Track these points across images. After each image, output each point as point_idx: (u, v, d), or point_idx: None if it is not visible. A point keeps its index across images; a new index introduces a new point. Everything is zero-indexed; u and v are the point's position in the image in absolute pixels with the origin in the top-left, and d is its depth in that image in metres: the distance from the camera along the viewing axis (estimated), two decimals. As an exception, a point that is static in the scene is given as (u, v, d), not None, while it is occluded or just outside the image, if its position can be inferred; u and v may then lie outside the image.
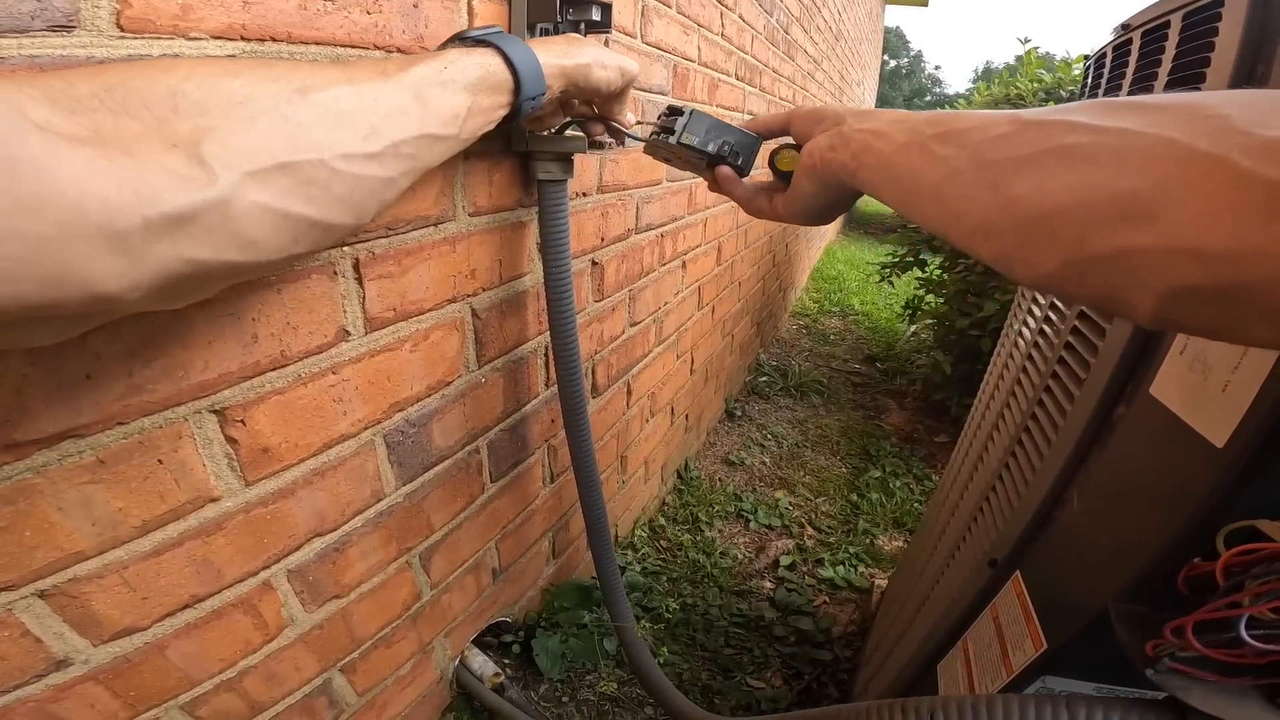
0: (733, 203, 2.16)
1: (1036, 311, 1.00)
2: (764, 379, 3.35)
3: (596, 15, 0.88)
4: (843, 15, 4.60)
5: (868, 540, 2.23)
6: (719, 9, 1.71)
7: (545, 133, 0.86)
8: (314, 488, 0.76)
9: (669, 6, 1.37)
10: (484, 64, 0.59)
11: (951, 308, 2.95)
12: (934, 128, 0.48)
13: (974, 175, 0.42)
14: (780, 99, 2.71)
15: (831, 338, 4.27)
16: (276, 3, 0.57)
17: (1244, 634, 0.46)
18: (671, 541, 2.12)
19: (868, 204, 12.19)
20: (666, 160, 0.80)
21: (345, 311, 0.73)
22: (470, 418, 1.01)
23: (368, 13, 0.66)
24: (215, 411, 0.62)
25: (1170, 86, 0.69)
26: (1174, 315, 0.31)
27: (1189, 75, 0.66)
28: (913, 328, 3.65)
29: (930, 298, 3.41)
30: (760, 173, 0.67)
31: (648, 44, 1.28)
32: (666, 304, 1.77)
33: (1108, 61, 0.92)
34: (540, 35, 0.84)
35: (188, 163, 0.37)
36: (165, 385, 0.57)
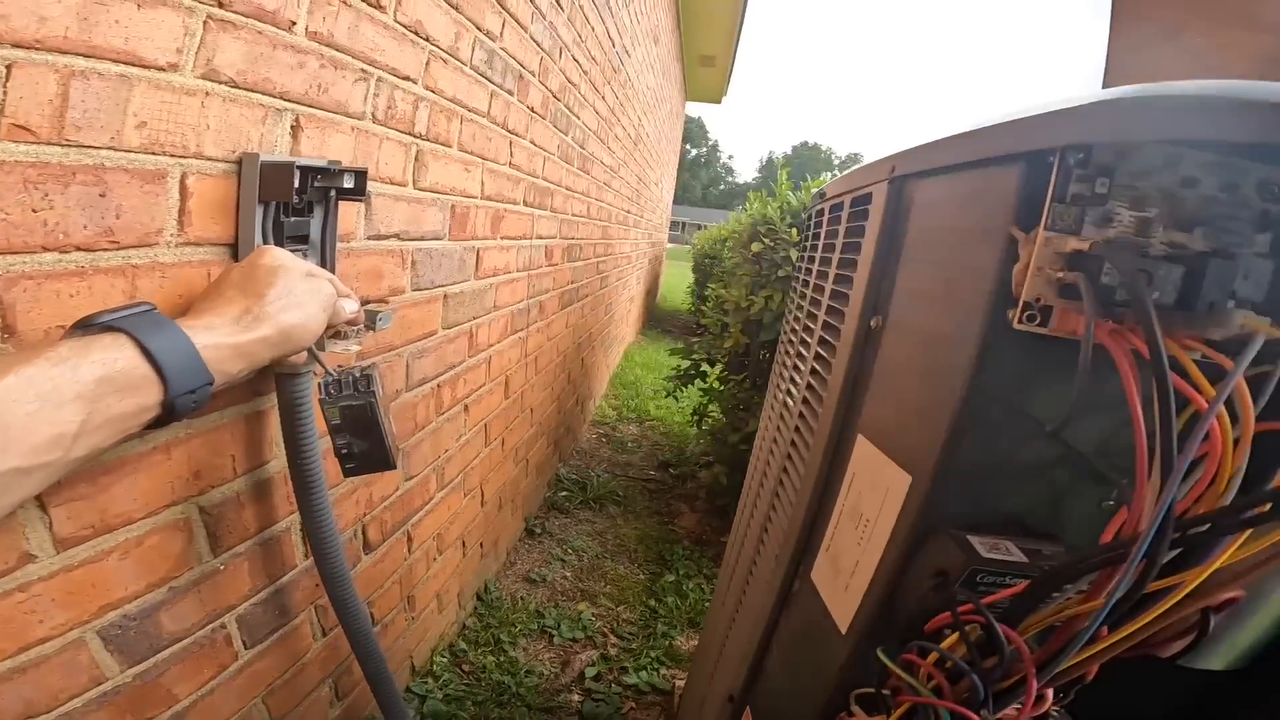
0: (519, 334, 2.15)
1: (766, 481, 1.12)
2: (564, 494, 3.31)
3: (349, 183, 0.84)
4: (644, 119, 4.83)
5: (667, 643, 2.28)
6: (508, 139, 1.73)
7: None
8: (14, 683, 0.64)
9: (449, 146, 1.35)
10: (108, 360, 0.47)
11: (726, 422, 3.12)
12: None
13: None
14: (573, 215, 2.77)
15: (629, 445, 4.32)
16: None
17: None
18: (474, 665, 2.05)
19: (666, 299, 12.57)
20: None
21: (28, 537, 0.62)
22: (209, 601, 0.89)
23: (33, 211, 0.57)
24: None
25: (845, 245, 0.88)
26: None
27: (858, 239, 0.83)
28: (700, 440, 3.82)
29: (714, 407, 3.56)
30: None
31: (421, 190, 1.26)
32: (448, 451, 1.71)
33: (812, 220, 1.14)
34: (276, 213, 0.78)
35: None
36: None
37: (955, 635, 0.53)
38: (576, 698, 1.98)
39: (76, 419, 0.44)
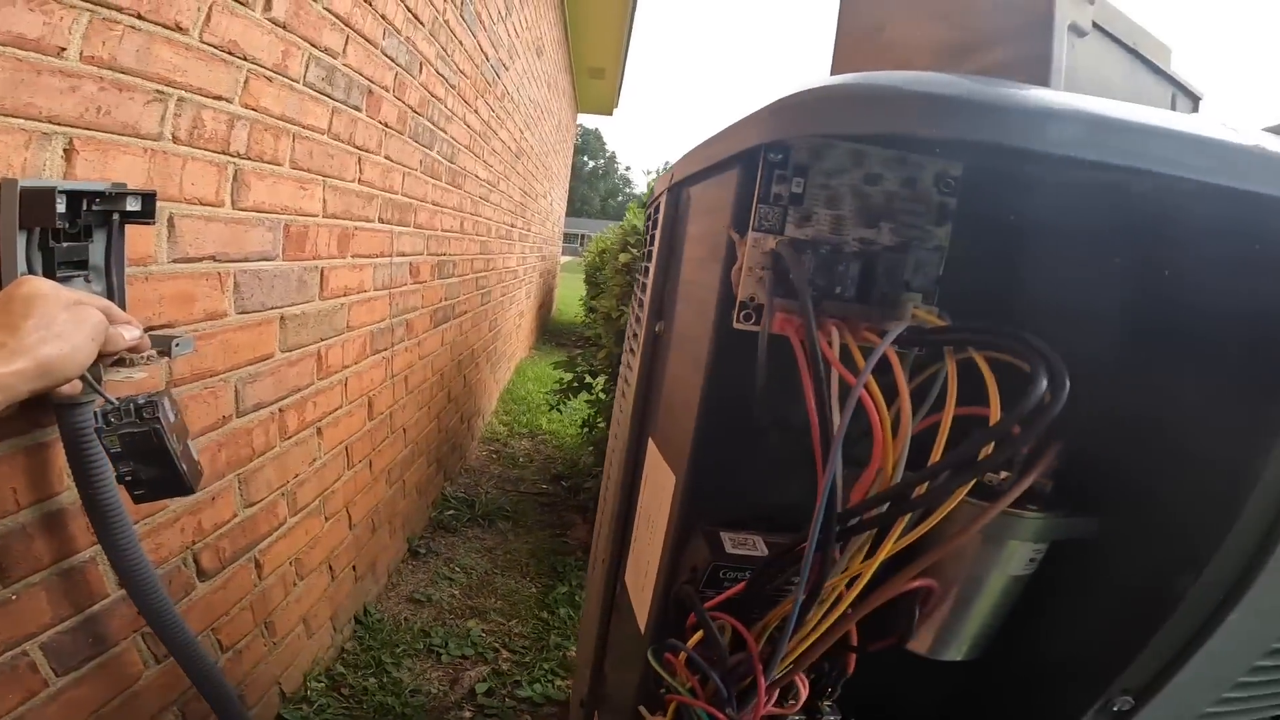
0: (382, 354, 2.11)
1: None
2: (450, 513, 3.27)
3: (135, 205, 0.82)
4: (525, 133, 4.82)
5: (561, 654, 2.28)
6: (355, 154, 1.70)
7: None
8: None
9: (279, 165, 1.33)
10: None
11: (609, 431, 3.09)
12: None
13: None
14: (443, 230, 2.74)
15: (521, 460, 4.30)
16: None
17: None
18: (354, 688, 1.99)
19: (561, 314, 12.48)
20: None
21: None
22: (2, 630, 0.86)
23: None
24: None
25: (646, 253, 0.90)
26: None
27: (652, 247, 0.87)
28: (591, 444, 3.82)
29: (599, 417, 3.59)
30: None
31: (243, 210, 1.23)
32: (299, 475, 1.66)
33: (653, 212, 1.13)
34: (42, 240, 0.75)
35: None
36: None
37: (700, 634, 0.55)
38: (468, 714, 1.97)
39: None
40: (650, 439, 0.77)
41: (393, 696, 1.97)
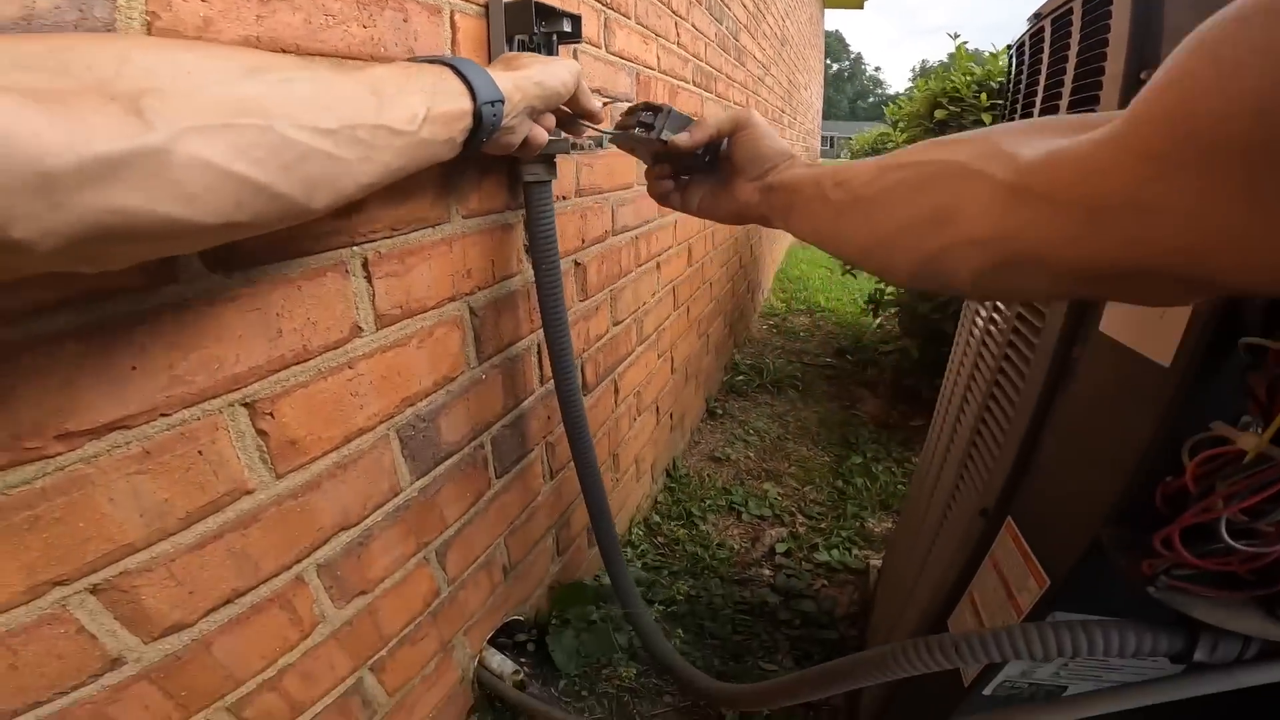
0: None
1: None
2: (740, 377, 3.40)
3: (568, 27, 0.94)
4: (786, 20, 4.70)
5: (857, 523, 2.28)
6: (673, 19, 1.77)
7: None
8: (337, 480, 0.79)
9: (628, 18, 1.42)
10: (437, 73, 0.62)
11: (912, 295, 3.04)
12: (832, 179, 0.60)
13: (852, 211, 0.56)
14: (735, 104, 2.78)
15: (801, 334, 4.35)
16: (285, 17, 0.62)
17: (1226, 537, 0.47)
18: (668, 537, 2.15)
19: None
20: (632, 151, 0.85)
21: (358, 308, 0.76)
22: (474, 413, 1.04)
23: (364, 26, 0.71)
24: (246, 405, 0.65)
25: (1080, 66, 0.76)
26: (985, 287, 0.45)
27: (1093, 55, 0.72)
28: (878, 321, 3.75)
29: (890, 289, 3.50)
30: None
31: (612, 54, 1.34)
32: (645, 304, 1.82)
33: (1026, 50, 0.99)
34: (518, 47, 0.90)
35: (125, 113, 0.36)
36: (202, 377, 0.60)
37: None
38: (768, 572, 2.03)
39: (423, 106, 0.58)
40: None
41: (701, 547, 2.10)
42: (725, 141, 0.79)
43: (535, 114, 0.79)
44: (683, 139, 0.76)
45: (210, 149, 0.40)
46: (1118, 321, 0.64)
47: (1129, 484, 0.58)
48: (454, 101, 0.63)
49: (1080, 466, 0.69)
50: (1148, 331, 0.58)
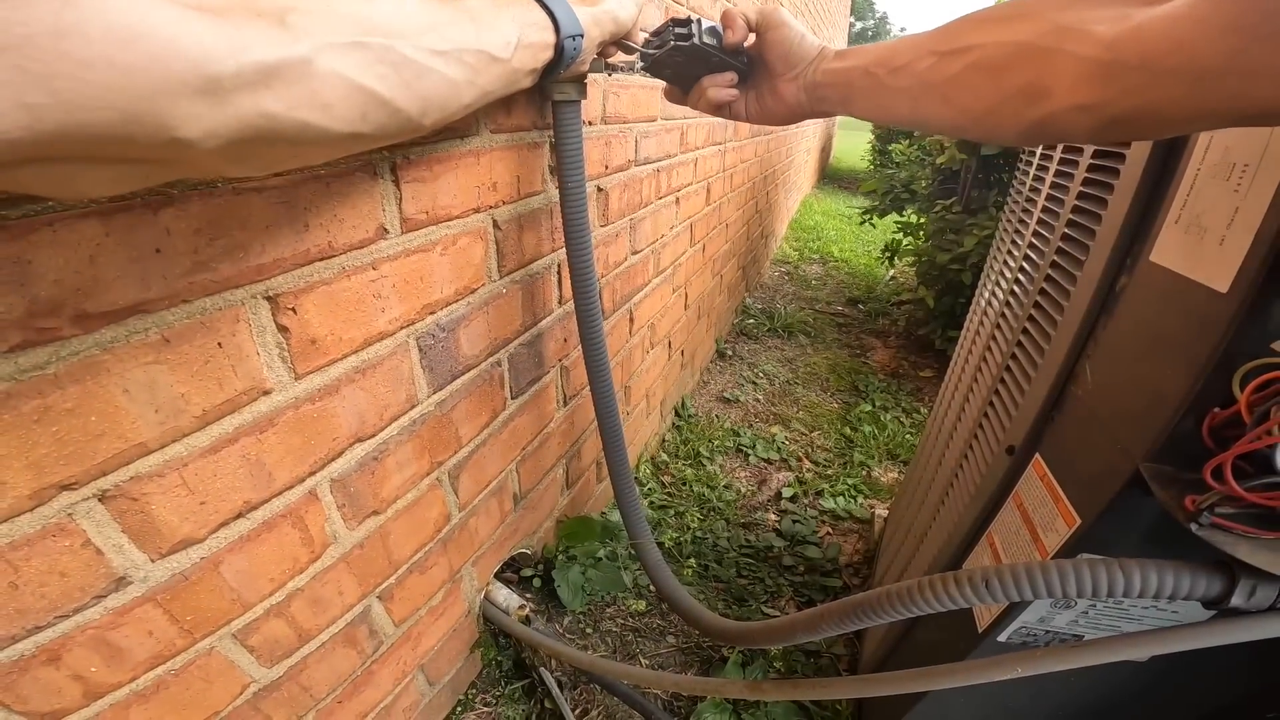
0: (718, 146, 2.17)
1: (1034, 205, 1.03)
2: (751, 321, 3.40)
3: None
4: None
5: (864, 471, 2.30)
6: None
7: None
8: (356, 386, 0.78)
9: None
10: (526, 6, 0.66)
11: (932, 244, 3.01)
12: (884, 65, 0.64)
13: (927, 96, 0.59)
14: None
15: (813, 282, 4.32)
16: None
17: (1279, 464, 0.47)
18: (675, 476, 2.17)
19: (840, 160, 12.36)
20: (660, 74, 0.81)
21: (384, 210, 0.74)
22: (493, 327, 1.03)
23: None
24: (269, 298, 0.63)
25: None
26: (1106, 137, 0.47)
27: None
28: (891, 272, 3.73)
29: (908, 240, 3.47)
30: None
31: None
32: (663, 236, 1.79)
33: None
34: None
35: (273, 26, 0.39)
36: (226, 265, 0.58)
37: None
38: (773, 516, 2.04)
39: (515, 34, 0.63)
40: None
41: (708, 488, 2.12)
42: (751, 43, 0.77)
43: (604, 47, 0.82)
44: (727, 37, 0.74)
45: (344, 63, 0.44)
46: (1171, 251, 0.62)
47: (1176, 416, 0.56)
48: (540, 33, 0.67)
49: (1122, 398, 0.67)
50: (1205, 260, 0.56)
